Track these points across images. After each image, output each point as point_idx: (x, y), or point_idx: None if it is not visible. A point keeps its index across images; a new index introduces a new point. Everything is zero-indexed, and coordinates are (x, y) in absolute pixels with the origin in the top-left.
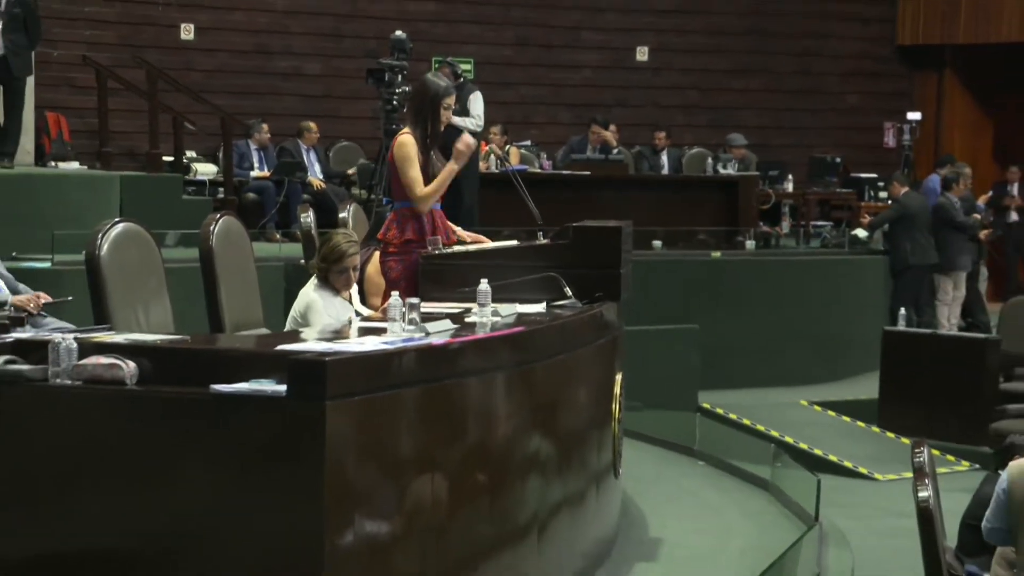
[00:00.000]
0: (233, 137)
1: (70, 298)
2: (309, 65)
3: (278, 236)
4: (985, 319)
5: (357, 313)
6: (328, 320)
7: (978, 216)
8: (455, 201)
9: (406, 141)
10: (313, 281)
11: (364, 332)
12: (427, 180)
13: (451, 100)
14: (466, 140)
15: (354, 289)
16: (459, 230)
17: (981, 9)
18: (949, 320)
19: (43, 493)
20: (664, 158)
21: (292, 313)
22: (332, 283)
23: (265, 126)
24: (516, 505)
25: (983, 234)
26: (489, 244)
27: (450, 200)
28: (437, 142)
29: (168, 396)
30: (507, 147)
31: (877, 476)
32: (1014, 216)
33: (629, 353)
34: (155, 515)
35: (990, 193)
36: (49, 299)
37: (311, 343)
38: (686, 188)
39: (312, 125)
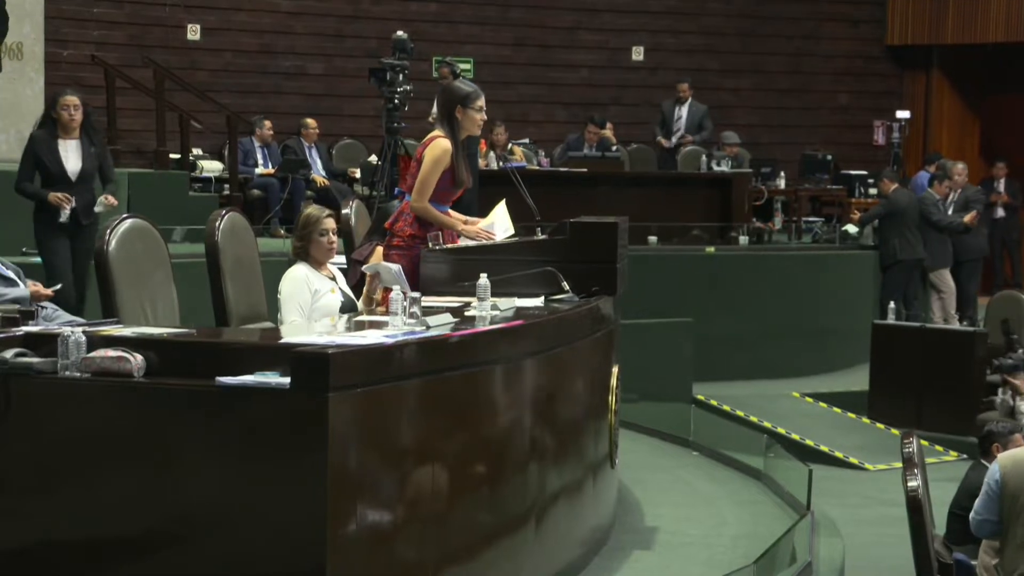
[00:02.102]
0: (238, 135)
1: (59, 285)
2: (313, 65)
3: (282, 232)
4: (972, 314)
5: (351, 304)
6: (301, 288)
7: (966, 220)
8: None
9: (444, 146)
10: (294, 264)
11: (367, 325)
12: (454, 181)
13: (481, 103)
14: (486, 234)
15: (339, 277)
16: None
17: (968, 11)
18: (945, 314)
19: (53, 483)
20: (684, 110)
21: (278, 295)
22: (314, 256)
23: (267, 123)
24: (515, 494)
25: (968, 218)
26: (484, 223)
27: None
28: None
29: (175, 388)
30: (509, 145)
31: (867, 466)
32: (1000, 212)
33: (625, 346)
34: (161, 505)
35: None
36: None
37: (314, 336)
38: (680, 185)
39: (310, 122)
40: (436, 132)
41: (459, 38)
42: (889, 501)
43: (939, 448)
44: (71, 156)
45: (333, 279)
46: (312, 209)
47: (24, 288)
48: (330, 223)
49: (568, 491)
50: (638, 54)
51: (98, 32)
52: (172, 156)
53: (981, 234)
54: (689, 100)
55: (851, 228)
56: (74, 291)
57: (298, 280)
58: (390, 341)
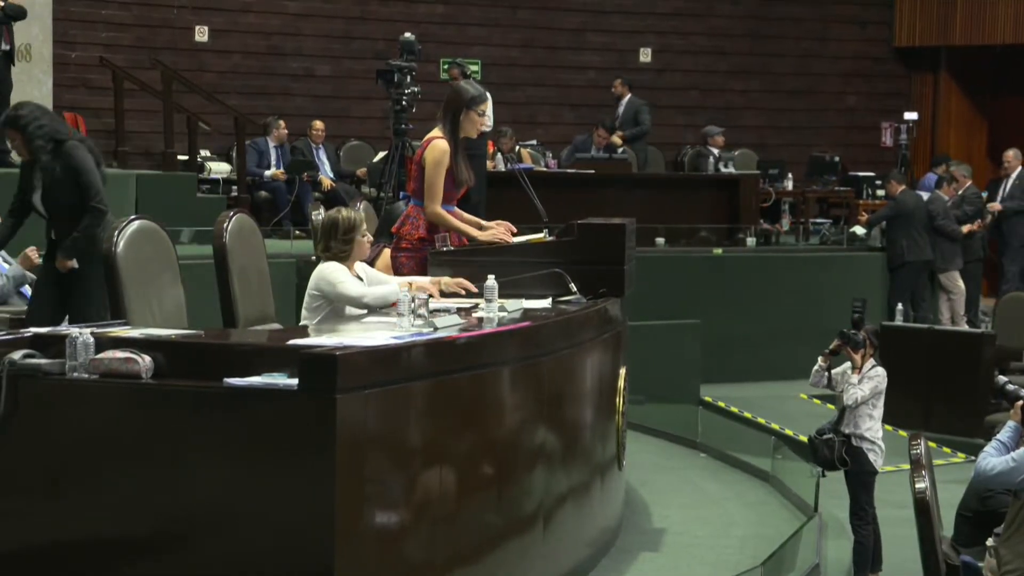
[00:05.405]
0: (246, 136)
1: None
2: (320, 66)
3: (298, 233)
4: (975, 315)
5: None
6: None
7: (970, 227)
8: (463, 199)
9: (442, 147)
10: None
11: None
12: (454, 184)
13: (485, 107)
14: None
15: (365, 277)
16: (481, 222)
17: (976, 12)
18: (954, 315)
19: (62, 484)
20: (621, 107)
21: (310, 291)
22: (354, 258)
23: (282, 123)
24: (523, 495)
25: (967, 228)
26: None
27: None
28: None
29: (183, 389)
30: (517, 148)
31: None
32: None
33: (632, 347)
34: (169, 506)
35: (985, 194)
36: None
37: (322, 337)
38: (688, 186)
39: (316, 123)
40: (435, 132)
41: (466, 40)
42: (897, 503)
43: (947, 450)
44: None
45: (360, 279)
46: (346, 213)
47: (9, 267)
48: (364, 227)
49: (576, 492)
50: (646, 56)
51: (106, 34)
52: (180, 158)
53: (977, 236)
54: (627, 97)
55: (859, 230)
56: None
57: (342, 271)
58: (398, 342)
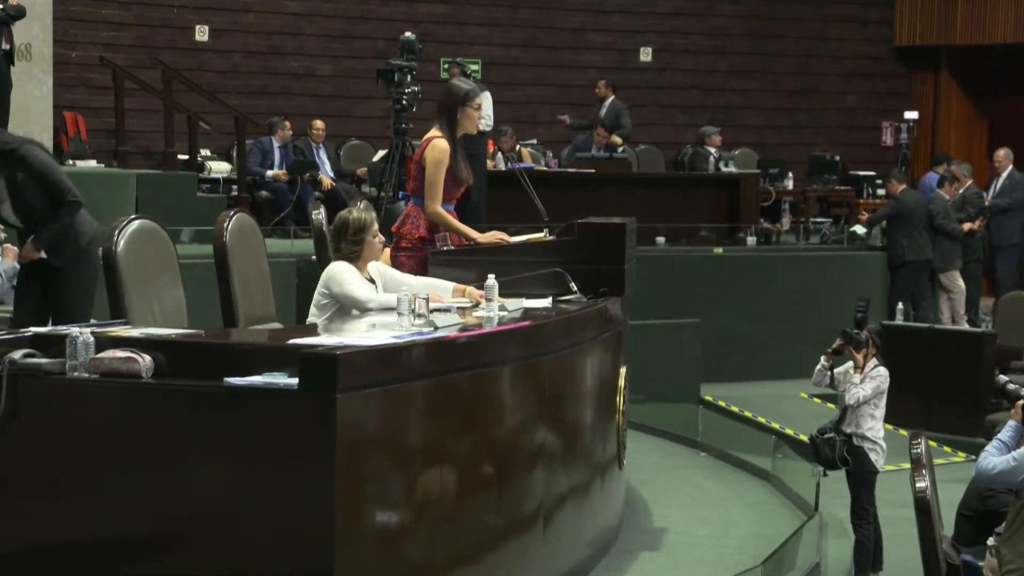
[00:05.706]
0: (247, 136)
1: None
2: (321, 66)
3: (291, 232)
4: (976, 315)
5: None
6: (363, 281)
7: (970, 226)
8: (463, 198)
9: (443, 147)
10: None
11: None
12: (454, 182)
13: (479, 101)
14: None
15: (379, 280)
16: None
17: (977, 11)
18: (954, 315)
19: (62, 484)
20: (604, 107)
21: (319, 289)
22: (365, 259)
23: (287, 124)
24: (523, 495)
25: (967, 227)
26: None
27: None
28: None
29: (183, 389)
30: (517, 147)
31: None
32: None
33: (633, 347)
34: (169, 505)
35: (985, 194)
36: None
37: (322, 337)
38: (688, 186)
39: (316, 123)
40: (434, 132)
41: (467, 39)
42: (897, 502)
43: (947, 449)
44: None
45: (373, 282)
46: (357, 213)
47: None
48: (376, 227)
49: (576, 492)
50: (646, 55)
51: (106, 33)
52: (180, 157)
53: (977, 236)
54: (610, 99)
55: (859, 229)
56: None
57: (350, 272)
58: (398, 342)
